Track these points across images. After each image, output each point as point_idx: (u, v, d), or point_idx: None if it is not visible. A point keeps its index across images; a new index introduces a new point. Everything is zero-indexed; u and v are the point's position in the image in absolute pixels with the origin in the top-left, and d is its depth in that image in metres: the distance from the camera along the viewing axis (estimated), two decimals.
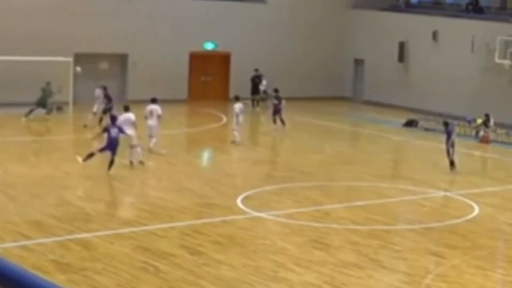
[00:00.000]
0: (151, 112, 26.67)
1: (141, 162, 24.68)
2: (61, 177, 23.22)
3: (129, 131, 24.40)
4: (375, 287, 15.38)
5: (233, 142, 29.46)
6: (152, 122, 26.60)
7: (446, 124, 27.41)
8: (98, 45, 37.42)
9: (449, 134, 26.61)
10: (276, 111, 33.19)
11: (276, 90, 34.13)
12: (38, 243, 16.80)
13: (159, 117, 26.66)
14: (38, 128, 31.61)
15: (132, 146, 24.55)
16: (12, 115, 33.47)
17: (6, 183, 22.19)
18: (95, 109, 31.59)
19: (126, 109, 25.45)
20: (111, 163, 23.49)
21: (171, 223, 18.90)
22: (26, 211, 19.26)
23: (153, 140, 26.66)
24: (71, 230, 17.79)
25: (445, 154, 26.50)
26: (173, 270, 15.45)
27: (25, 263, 14.82)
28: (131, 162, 24.43)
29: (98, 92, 32.09)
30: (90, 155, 23.58)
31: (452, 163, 26.31)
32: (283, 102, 33.31)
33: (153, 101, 27.13)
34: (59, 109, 34.44)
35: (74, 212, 19.38)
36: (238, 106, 29.71)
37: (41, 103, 32.53)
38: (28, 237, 17.15)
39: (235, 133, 29.49)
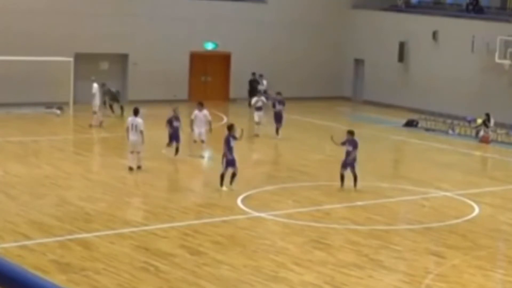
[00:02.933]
0: (196, 117, 26.67)
1: (139, 167, 24.42)
2: (61, 177, 23.22)
3: (136, 137, 24.09)
4: (375, 287, 15.39)
5: (256, 135, 30.92)
6: (201, 129, 26.72)
7: (351, 133, 23.22)
8: (98, 45, 37.42)
9: (355, 146, 22.94)
10: (279, 117, 31.38)
11: (279, 93, 32.15)
12: (38, 243, 16.80)
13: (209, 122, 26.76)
14: (38, 128, 31.61)
15: (138, 152, 24.19)
16: (12, 115, 33.49)
17: (6, 183, 22.19)
18: (96, 108, 31.83)
19: (136, 112, 24.38)
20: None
21: (171, 223, 18.90)
22: (26, 211, 19.26)
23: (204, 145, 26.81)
24: (71, 230, 17.80)
25: (343, 170, 22.88)
26: (173, 270, 15.46)
27: (25, 263, 14.81)
28: (138, 167, 24.22)
29: (96, 88, 32.16)
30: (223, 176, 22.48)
31: (355, 178, 22.85)
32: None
33: (200, 104, 26.96)
34: (59, 109, 34.47)
35: (74, 212, 19.39)
36: (255, 99, 31.71)
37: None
38: (28, 237, 17.15)
39: (259, 126, 31.20)
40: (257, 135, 31.41)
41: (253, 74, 40.05)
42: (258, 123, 31.68)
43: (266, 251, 17.09)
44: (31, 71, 35.13)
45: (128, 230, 18.10)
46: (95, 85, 32.26)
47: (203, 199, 21.66)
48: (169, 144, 26.18)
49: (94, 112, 31.73)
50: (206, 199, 21.67)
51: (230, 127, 22.83)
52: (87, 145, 29.78)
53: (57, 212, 19.32)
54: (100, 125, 31.65)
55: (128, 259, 16.03)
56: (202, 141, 26.72)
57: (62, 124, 33.47)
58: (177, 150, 25.97)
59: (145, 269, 15.49)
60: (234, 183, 22.28)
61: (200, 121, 26.66)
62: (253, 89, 39.40)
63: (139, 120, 24.10)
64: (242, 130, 23.17)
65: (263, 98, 32.43)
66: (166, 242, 17.33)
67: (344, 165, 22.93)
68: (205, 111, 26.82)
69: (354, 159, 22.86)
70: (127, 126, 24.33)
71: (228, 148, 22.32)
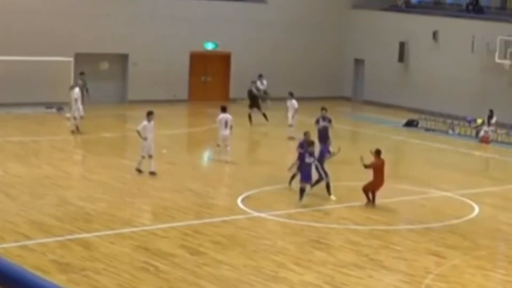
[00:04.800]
0: (226, 122, 26.30)
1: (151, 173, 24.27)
2: (61, 177, 23.23)
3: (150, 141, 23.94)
4: (375, 287, 15.39)
5: (290, 138, 30.24)
6: (225, 132, 26.34)
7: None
8: (98, 45, 37.42)
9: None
10: (324, 136, 27.21)
11: (324, 109, 28.89)
12: (38, 243, 16.81)
13: (231, 127, 26.36)
14: (38, 128, 31.60)
15: (151, 156, 24.01)
16: (12, 115, 33.48)
17: (6, 183, 22.19)
18: (77, 113, 30.57)
19: (149, 114, 24.11)
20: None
21: (171, 223, 18.90)
22: (26, 211, 19.26)
23: (228, 148, 26.31)
24: (71, 230, 17.80)
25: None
26: (174, 270, 15.46)
27: (25, 263, 14.82)
28: (151, 173, 24.07)
29: (78, 92, 31.23)
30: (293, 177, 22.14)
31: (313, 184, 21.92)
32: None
33: (223, 109, 26.73)
34: (59, 109, 34.47)
35: (74, 212, 19.39)
36: (295, 102, 31.45)
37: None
38: (28, 237, 17.16)
39: (292, 128, 30.66)
40: (291, 138, 30.17)
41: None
42: (290, 125, 31.15)
43: (266, 251, 17.09)
44: (31, 71, 35.10)
45: (128, 230, 18.11)
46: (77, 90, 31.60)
47: (203, 199, 21.65)
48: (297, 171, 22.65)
49: (81, 117, 30.75)
50: (206, 199, 21.67)
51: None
52: (87, 145, 29.75)
53: (57, 212, 19.33)
54: (75, 130, 30.46)
55: (128, 259, 16.04)
56: (221, 145, 26.54)
57: (62, 124, 33.43)
58: (292, 177, 22.80)
59: (145, 269, 15.49)
60: (332, 192, 21.87)
61: (221, 124, 26.55)
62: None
63: (143, 122, 24.15)
64: (339, 148, 23.05)
65: (293, 100, 31.70)
66: (166, 242, 17.33)
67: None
68: (223, 115, 26.61)
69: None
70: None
71: (321, 160, 22.18)
